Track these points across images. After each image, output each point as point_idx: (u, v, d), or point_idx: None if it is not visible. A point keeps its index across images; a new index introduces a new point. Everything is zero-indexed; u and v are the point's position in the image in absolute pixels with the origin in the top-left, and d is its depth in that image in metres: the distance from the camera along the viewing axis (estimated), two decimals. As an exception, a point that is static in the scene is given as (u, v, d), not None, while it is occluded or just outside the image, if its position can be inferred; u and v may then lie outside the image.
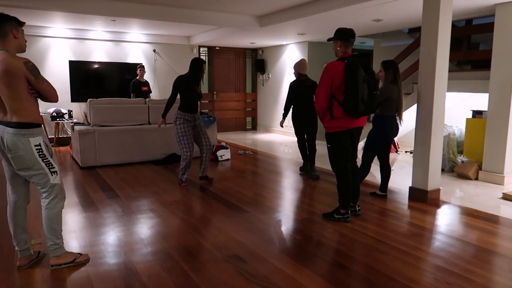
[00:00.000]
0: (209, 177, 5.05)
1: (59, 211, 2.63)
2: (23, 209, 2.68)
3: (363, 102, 3.24)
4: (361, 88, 3.22)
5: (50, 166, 2.55)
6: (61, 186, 2.64)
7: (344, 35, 3.39)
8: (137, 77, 7.96)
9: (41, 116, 2.62)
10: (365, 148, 4.29)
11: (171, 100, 4.75)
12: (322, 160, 6.47)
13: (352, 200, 3.74)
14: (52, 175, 2.56)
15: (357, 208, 3.76)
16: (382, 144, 4.20)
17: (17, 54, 2.50)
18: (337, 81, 3.29)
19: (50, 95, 2.54)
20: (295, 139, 5.60)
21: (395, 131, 4.19)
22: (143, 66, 7.98)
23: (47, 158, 2.52)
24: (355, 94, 3.21)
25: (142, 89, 7.88)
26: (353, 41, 3.43)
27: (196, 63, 4.67)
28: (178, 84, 4.70)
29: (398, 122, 4.15)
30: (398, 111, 4.09)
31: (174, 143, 6.43)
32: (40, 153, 2.49)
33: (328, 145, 3.54)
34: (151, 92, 8.19)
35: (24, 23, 2.54)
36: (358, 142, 3.65)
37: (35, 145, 2.47)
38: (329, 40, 3.52)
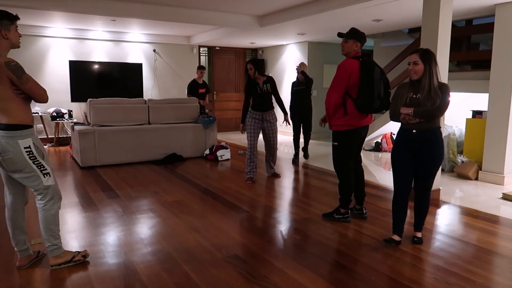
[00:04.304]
0: (277, 173, 5.37)
1: (56, 212, 2.61)
2: (21, 209, 2.66)
3: (379, 99, 3.29)
4: (377, 85, 3.27)
5: (42, 168, 2.49)
6: (56, 187, 2.60)
7: (362, 39, 3.43)
8: (195, 78, 7.72)
9: (32, 116, 2.52)
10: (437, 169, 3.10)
11: (244, 104, 4.99)
12: (323, 160, 6.47)
13: (358, 202, 3.74)
14: (44, 177, 2.51)
15: (364, 211, 3.72)
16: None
17: (12, 51, 2.45)
18: (353, 78, 3.32)
19: (37, 95, 2.43)
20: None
21: None
22: (203, 68, 7.71)
23: (38, 160, 2.47)
24: (371, 91, 3.25)
25: (199, 91, 7.56)
26: (365, 43, 3.50)
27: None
28: (246, 88, 5.00)
29: None
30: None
31: (174, 143, 6.46)
32: (31, 155, 2.43)
33: (335, 143, 3.51)
34: (209, 92, 7.91)
35: (18, 18, 2.44)
36: (364, 140, 3.68)
37: (25, 147, 2.41)
38: (340, 35, 3.46)
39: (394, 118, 3.03)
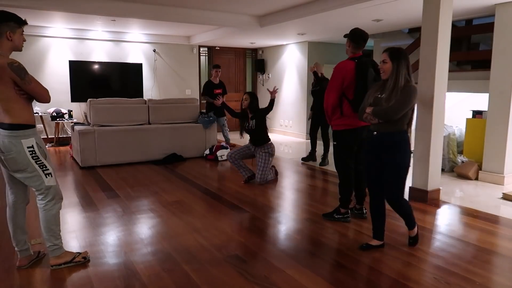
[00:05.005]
0: (275, 173, 5.30)
1: (57, 212, 2.61)
2: (22, 209, 2.67)
3: None
4: (371, 87, 3.24)
5: (44, 168, 2.50)
6: (57, 188, 2.60)
7: (354, 37, 3.41)
8: (211, 78, 7.38)
9: (34, 116, 2.54)
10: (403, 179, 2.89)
11: (235, 112, 5.20)
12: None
13: (358, 202, 3.74)
14: (46, 177, 2.52)
15: (364, 211, 3.73)
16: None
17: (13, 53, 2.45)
18: (347, 80, 3.33)
19: (40, 96, 2.45)
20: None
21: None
22: (218, 67, 7.33)
23: (40, 160, 2.48)
24: (365, 93, 3.23)
25: (215, 92, 6.99)
26: (363, 44, 3.44)
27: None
28: (240, 113, 5.14)
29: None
30: (409, 122, 2.89)
31: (174, 143, 6.46)
32: (33, 155, 2.44)
33: (334, 143, 3.56)
34: (226, 93, 7.36)
35: (26, 23, 2.46)
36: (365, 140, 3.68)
37: (28, 147, 2.42)
38: (345, 36, 3.52)
39: (360, 116, 2.94)
